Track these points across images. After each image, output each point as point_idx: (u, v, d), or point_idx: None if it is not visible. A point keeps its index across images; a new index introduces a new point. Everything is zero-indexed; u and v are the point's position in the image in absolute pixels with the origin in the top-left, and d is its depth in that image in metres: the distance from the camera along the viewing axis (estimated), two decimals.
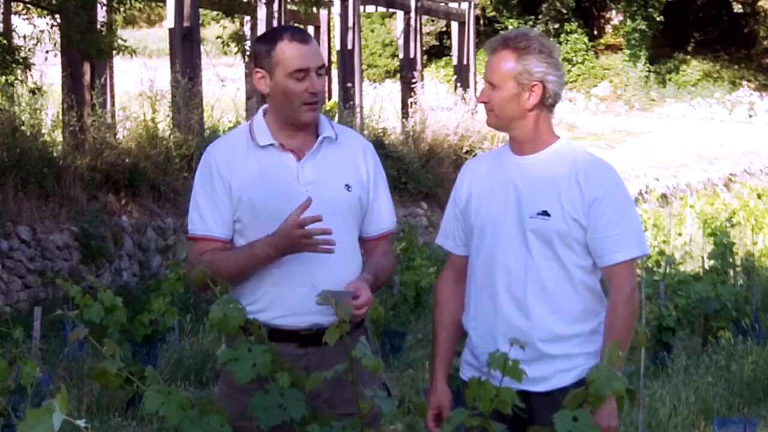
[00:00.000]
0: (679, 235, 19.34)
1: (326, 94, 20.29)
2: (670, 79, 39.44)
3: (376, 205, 3.52)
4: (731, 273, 12.31)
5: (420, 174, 18.26)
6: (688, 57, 40.36)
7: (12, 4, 13.87)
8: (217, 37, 16.97)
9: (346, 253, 3.39)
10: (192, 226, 3.42)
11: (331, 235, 3.29)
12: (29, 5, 12.77)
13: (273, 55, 3.34)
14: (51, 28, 12.35)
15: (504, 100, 3.35)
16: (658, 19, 38.56)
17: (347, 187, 3.40)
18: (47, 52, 12.46)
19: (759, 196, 23.47)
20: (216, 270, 3.28)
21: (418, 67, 22.56)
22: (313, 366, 3.20)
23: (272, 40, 3.38)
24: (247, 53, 16.45)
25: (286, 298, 3.32)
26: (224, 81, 19.13)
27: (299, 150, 3.40)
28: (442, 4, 25.37)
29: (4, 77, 11.75)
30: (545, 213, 3.33)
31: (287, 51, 3.33)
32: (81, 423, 1.84)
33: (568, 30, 39.74)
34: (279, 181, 3.34)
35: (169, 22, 15.84)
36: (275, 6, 17.62)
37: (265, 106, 3.50)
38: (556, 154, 3.41)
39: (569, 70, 38.18)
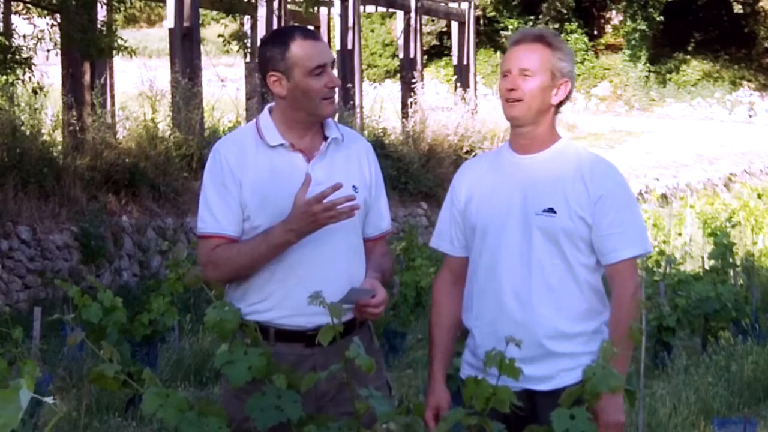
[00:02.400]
0: (679, 235, 19.33)
1: None
2: (670, 79, 39.41)
3: (377, 205, 3.52)
4: (731, 273, 12.30)
5: (420, 174, 18.26)
6: (688, 57, 40.33)
7: (12, 3, 13.86)
8: (219, 36, 16.99)
9: (352, 253, 3.41)
10: (203, 224, 3.38)
11: (339, 237, 3.32)
12: (29, 5, 12.76)
13: (288, 56, 3.32)
14: (51, 27, 12.34)
15: (538, 88, 3.35)
16: (658, 19, 38.53)
17: (354, 188, 3.39)
18: (48, 51, 12.45)
19: (759, 196, 23.47)
20: (231, 263, 3.30)
21: (418, 67, 22.54)
22: (319, 366, 3.19)
23: (283, 42, 3.36)
24: (248, 51, 16.45)
25: (293, 298, 3.29)
26: (224, 81, 19.14)
27: (308, 150, 3.40)
28: (442, 4, 25.35)
29: (4, 77, 11.74)
30: (551, 210, 3.34)
31: (303, 50, 3.32)
32: (49, 400, 1.82)
33: (568, 30, 39.68)
34: (290, 180, 3.32)
35: (169, 22, 15.84)
36: (275, 5, 17.62)
37: (270, 105, 3.48)
38: (559, 154, 3.43)
39: None
